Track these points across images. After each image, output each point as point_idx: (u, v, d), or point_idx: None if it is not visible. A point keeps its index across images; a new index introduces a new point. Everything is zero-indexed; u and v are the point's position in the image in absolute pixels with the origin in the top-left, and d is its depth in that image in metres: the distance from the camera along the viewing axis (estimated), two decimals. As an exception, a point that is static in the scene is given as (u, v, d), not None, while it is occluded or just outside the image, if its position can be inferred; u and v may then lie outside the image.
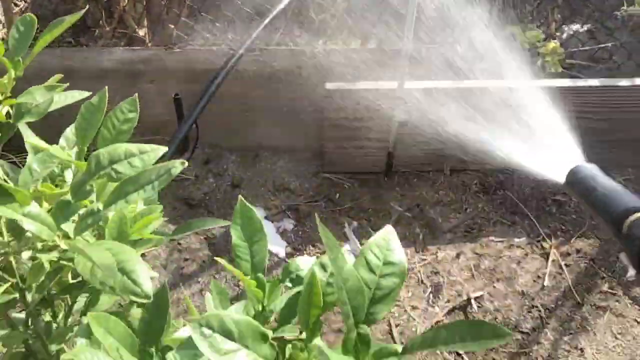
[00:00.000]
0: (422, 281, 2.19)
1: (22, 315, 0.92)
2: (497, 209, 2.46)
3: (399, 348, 0.53)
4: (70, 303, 0.93)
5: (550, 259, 2.27)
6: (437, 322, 2.05)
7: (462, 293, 2.15)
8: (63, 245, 0.49)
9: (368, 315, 0.50)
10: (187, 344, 0.60)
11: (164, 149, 0.57)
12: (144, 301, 0.50)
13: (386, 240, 0.54)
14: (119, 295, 0.49)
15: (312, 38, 2.58)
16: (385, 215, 2.38)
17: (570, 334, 2.04)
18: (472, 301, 2.12)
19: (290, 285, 0.65)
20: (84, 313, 0.94)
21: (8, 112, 0.70)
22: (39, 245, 0.59)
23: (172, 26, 2.79)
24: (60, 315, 0.91)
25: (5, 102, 0.65)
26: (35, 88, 0.71)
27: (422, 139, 2.45)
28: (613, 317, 2.09)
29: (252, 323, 0.51)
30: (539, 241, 2.34)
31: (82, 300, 0.95)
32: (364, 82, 2.38)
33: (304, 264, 0.65)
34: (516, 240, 2.34)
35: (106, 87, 0.67)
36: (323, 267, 0.56)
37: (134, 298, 0.50)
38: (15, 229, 0.60)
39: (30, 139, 0.64)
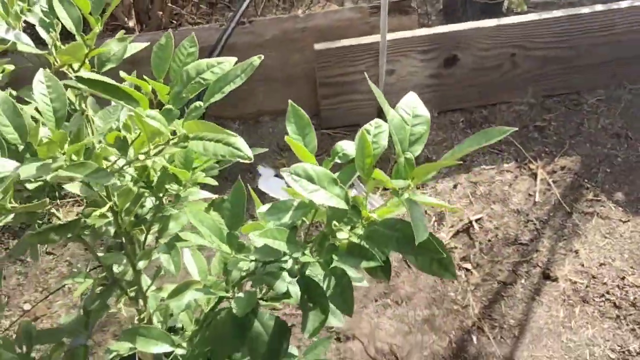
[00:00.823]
0: (426, 212, 2.37)
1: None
2: (485, 141, 2.63)
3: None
4: (145, 231, 1.10)
5: (539, 178, 2.46)
6: (444, 244, 2.24)
7: (464, 217, 2.33)
8: (183, 130, 0.65)
9: (409, 150, 0.66)
10: (271, 210, 0.77)
11: (234, 59, 0.73)
12: (247, 161, 0.67)
13: (412, 101, 0.71)
14: (230, 160, 0.65)
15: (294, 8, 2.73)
16: (384, 160, 2.56)
17: (564, 239, 2.23)
18: (474, 223, 2.31)
19: (339, 161, 0.82)
20: (157, 238, 1.11)
21: (92, 63, 0.86)
22: (141, 156, 0.75)
23: (161, 13, 2.92)
24: (143, 237, 1.08)
25: (92, 53, 0.81)
26: (110, 40, 0.87)
27: (408, 85, 2.62)
28: (600, 220, 2.28)
29: (326, 172, 0.68)
30: (526, 164, 2.53)
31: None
32: (347, 40, 2.54)
33: (346, 145, 0.82)
34: (505, 165, 2.53)
35: (170, 30, 0.82)
36: (367, 131, 0.73)
37: (239, 159, 0.66)
38: (121, 144, 0.75)
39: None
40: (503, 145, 2.60)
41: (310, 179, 0.66)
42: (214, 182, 0.99)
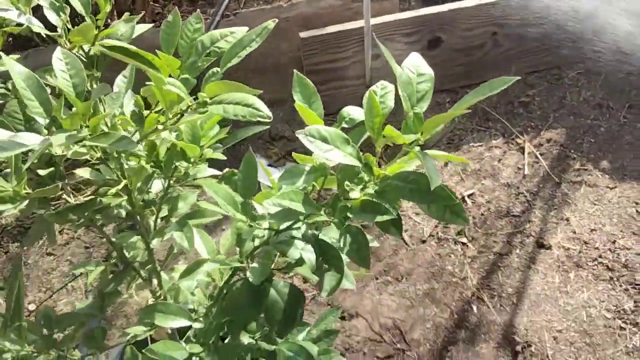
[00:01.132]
0: (419, 190, 2.41)
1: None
2: (472, 119, 2.68)
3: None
4: (155, 212, 1.12)
5: (526, 151, 2.51)
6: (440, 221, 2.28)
7: (456, 193, 2.37)
8: (204, 95, 0.68)
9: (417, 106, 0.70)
10: (285, 175, 0.80)
11: (245, 28, 0.76)
12: (266, 120, 0.70)
13: (415, 61, 0.74)
14: (249, 121, 0.68)
15: (277, -2, 2.76)
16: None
17: (555, 209, 2.28)
18: (466, 198, 2.35)
19: (346, 126, 0.85)
20: (167, 218, 1.13)
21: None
22: (160, 126, 0.77)
23: (143, 12, 2.93)
24: (153, 218, 1.10)
25: (101, 34, 0.83)
26: (117, 22, 0.89)
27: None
28: (588, 188, 2.33)
29: (338, 132, 0.71)
30: (513, 139, 2.58)
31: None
32: (332, 27, 2.57)
33: (352, 110, 0.85)
34: (493, 142, 2.57)
35: (176, 8, 0.85)
36: (375, 92, 0.76)
37: (259, 119, 0.69)
38: (137, 117, 0.78)
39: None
40: (490, 123, 2.65)
41: (324, 140, 0.69)
42: (223, 157, 1.02)
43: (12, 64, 0.67)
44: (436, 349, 1.87)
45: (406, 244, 2.20)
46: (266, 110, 0.70)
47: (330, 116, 2.80)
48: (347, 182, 0.77)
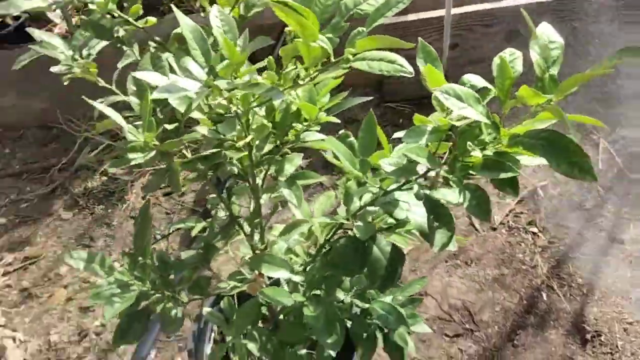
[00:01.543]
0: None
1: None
2: (546, 113, 2.66)
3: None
4: (264, 170, 1.19)
5: (600, 147, 2.48)
6: (510, 210, 2.29)
7: (528, 185, 2.38)
8: (353, 51, 0.73)
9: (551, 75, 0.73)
10: (409, 134, 0.85)
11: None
12: (408, 76, 0.75)
13: (547, 29, 0.77)
14: (394, 75, 0.73)
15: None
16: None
17: (629, 205, 2.26)
18: (539, 190, 2.35)
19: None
20: (274, 177, 1.20)
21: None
22: (301, 81, 0.83)
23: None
24: (261, 176, 1.17)
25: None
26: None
27: (472, 57, 2.67)
28: (664, 187, 2.30)
29: (471, 91, 0.75)
30: (588, 135, 2.55)
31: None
32: (413, 14, 2.59)
33: (472, 77, 0.89)
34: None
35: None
36: (504, 58, 0.80)
37: (402, 74, 0.74)
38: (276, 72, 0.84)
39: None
40: (564, 117, 2.63)
41: (458, 97, 0.74)
42: (337, 120, 1.07)
43: (182, 16, 0.74)
44: (505, 331, 1.89)
45: (477, 230, 2.22)
46: (409, 67, 0.74)
47: (403, 102, 2.80)
48: (468, 142, 0.81)
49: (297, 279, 1.16)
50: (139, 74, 0.79)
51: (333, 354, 1.06)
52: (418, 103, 2.74)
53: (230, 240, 1.36)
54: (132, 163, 1.07)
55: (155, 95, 0.73)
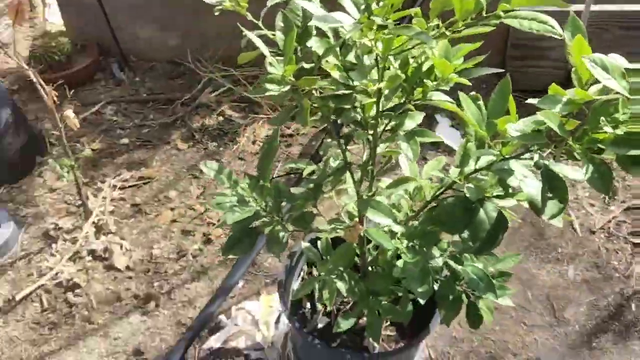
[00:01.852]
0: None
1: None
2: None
3: None
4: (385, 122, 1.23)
5: None
6: (614, 217, 2.22)
7: (638, 196, 2.28)
8: (508, 6, 0.76)
9: None
10: (544, 100, 0.86)
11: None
12: (558, 37, 0.77)
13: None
14: (544, 34, 0.75)
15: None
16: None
17: None
18: (647, 202, 2.26)
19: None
20: (393, 131, 1.24)
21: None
22: (448, 32, 0.86)
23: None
24: (381, 127, 1.21)
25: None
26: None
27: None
28: None
29: (617, 64, 0.76)
30: None
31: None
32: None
33: (618, 57, 0.89)
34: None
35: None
36: None
37: (551, 35, 0.76)
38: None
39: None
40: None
41: (604, 68, 0.75)
42: (468, 82, 1.09)
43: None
44: (585, 332, 1.86)
45: (574, 230, 2.17)
46: (559, 29, 0.76)
47: (525, 93, 2.77)
48: (601, 118, 0.82)
49: (398, 229, 1.20)
50: (299, 2, 0.85)
51: (422, 301, 1.11)
52: (540, 96, 2.67)
53: (337, 186, 1.42)
54: (267, 94, 1.14)
55: (312, 22, 0.78)
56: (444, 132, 2.57)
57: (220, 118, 2.89)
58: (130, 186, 2.60)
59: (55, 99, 1.95)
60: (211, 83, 3.09)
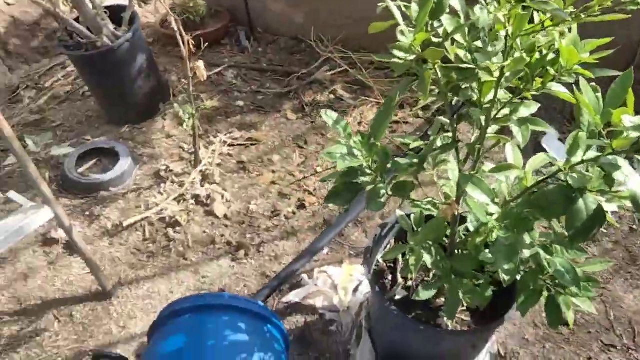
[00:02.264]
0: None
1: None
2: None
3: None
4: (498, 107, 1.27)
5: None
6: None
7: None
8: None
9: None
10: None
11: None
12: None
13: None
14: None
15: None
16: None
17: None
18: None
19: None
20: (506, 116, 1.27)
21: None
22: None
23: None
24: (494, 112, 1.25)
25: None
26: None
27: None
28: None
29: None
30: None
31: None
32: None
33: None
34: None
35: None
36: None
37: None
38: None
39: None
40: None
41: None
42: (591, 75, 1.11)
43: None
44: (664, 364, 1.80)
45: (671, 262, 2.09)
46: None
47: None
48: None
49: (494, 209, 1.24)
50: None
51: (506, 278, 1.14)
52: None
53: (440, 166, 1.47)
54: (392, 60, 1.21)
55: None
56: (551, 145, 2.54)
57: (332, 96, 2.99)
58: (238, 145, 2.75)
59: (192, 47, 2.12)
60: (328, 62, 3.20)
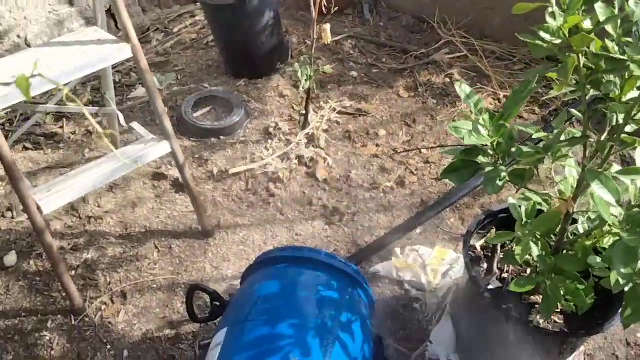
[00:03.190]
0: None
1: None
2: None
3: None
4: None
5: None
6: None
7: None
8: None
9: None
10: None
11: None
12: None
13: None
14: None
15: None
16: None
17: None
18: None
19: None
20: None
21: None
22: None
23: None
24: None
25: None
26: None
27: None
28: None
29: None
30: None
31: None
32: None
33: None
34: None
35: None
36: None
37: None
38: None
39: None
40: None
41: None
42: None
43: None
44: None
45: None
46: None
47: None
48: None
49: (617, 211, 1.19)
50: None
51: (621, 282, 1.09)
52: None
53: (560, 161, 1.42)
54: (536, 42, 1.17)
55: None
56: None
57: (447, 79, 2.94)
58: (347, 114, 2.77)
59: (324, 8, 2.14)
60: (448, 46, 3.14)
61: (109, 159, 1.89)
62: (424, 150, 2.55)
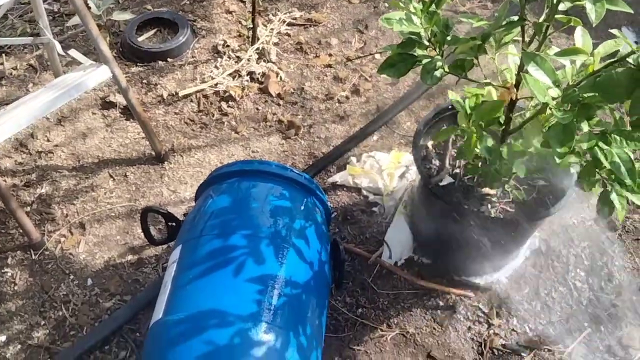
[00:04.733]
0: None
1: None
2: None
3: None
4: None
5: None
6: None
7: None
8: None
9: None
10: None
11: None
12: None
13: None
14: None
15: None
16: None
17: None
18: None
19: None
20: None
21: None
22: None
23: None
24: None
25: None
26: None
27: None
28: None
29: None
30: None
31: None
32: None
33: None
34: None
35: None
36: None
37: None
38: None
39: None
40: None
41: None
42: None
43: None
44: None
45: None
46: None
47: None
48: None
49: (554, 92, 1.18)
50: None
51: (557, 161, 1.11)
52: None
53: (502, 49, 1.40)
54: None
55: None
56: (629, 36, 2.38)
57: None
58: (297, 25, 2.69)
59: None
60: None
61: (47, 89, 1.82)
62: (377, 56, 2.51)
